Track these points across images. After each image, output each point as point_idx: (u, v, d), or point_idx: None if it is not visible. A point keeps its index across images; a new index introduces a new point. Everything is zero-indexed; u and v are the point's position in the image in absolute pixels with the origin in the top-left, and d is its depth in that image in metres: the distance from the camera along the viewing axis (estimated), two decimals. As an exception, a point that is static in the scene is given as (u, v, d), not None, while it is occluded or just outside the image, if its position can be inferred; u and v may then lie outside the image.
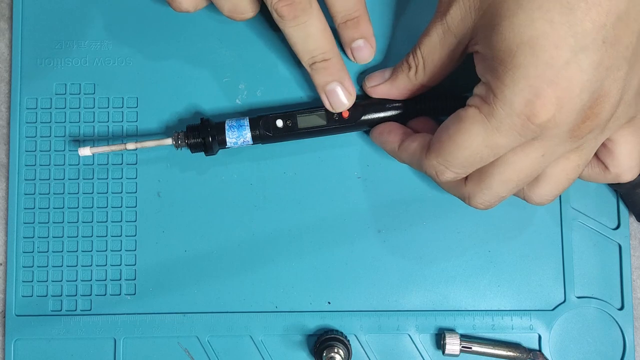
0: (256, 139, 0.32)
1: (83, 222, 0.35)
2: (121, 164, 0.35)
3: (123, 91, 0.35)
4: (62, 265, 0.35)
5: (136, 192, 0.35)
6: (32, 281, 0.35)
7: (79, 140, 0.35)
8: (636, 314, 0.34)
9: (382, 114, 0.32)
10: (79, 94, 0.35)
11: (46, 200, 0.35)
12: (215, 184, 0.35)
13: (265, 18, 0.34)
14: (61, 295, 0.34)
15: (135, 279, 0.34)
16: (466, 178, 0.28)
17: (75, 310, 0.34)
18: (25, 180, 0.35)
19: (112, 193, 0.35)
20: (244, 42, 0.35)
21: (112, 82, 0.35)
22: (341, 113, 0.32)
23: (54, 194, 0.35)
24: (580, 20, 0.23)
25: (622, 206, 0.35)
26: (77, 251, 0.35)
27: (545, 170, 0.27)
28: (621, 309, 0.34)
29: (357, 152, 0.35)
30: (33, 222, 0.35)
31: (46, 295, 0.34)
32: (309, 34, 0.29)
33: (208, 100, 0.35)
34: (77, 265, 0.35)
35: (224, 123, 0.32)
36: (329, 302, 0.34)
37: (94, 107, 0.35)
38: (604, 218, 0.35)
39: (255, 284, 0.34)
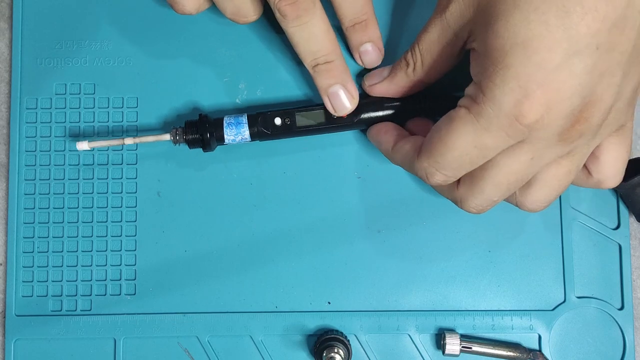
0: (254, 136, 0.32)
1: (83, 222, 0.35)
2: (121, 164, 0.35)
3: (123, 91, 0.35)
4: (62, 265, 0.35)
5: (136, 192, 0.35)
6: (32, 281, 0.35)
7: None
8: (636, 314, 0.34)
9: (380, 113, 0.32)
10: (79, 94, 0.35)
11: (46, 200, 0.35)
12: (215, 184, 0.35)
13: (267, 19, 0.34)
14: (61, 295, 0.34)
15: (135, 279, 0.34)
16: (458, 182, 0.28)
17: (75, 310, 0.34)
18: (25, 180, 0.35)
19: (112, 193, 0.35)
20: (244, 42, 0.35)
21: (112, 82, 0.35)
22: (341, 113, 0.32)
23: (54, 194, 0.35)
24: (575, 24, 0.22)
25: (622, 206, 0.35)
26: (77, 251, 0.35)
27: (537, 176, 0.27)
28: (621, 309, 0.34)
29: (357, 152, 0.35)
30: (33, 222, 0.35)
31: (46, 295, 0.34)
32: (311, 35, 0.29)
33: (208, 99, 0.35)
34: (77, 265, 0.35)
35: (222, 119, 0.32)
36: (329, 302, 0.34)
37: (94, 107, 0.35)
38: (604, 218, 0.35)
39: (255, 284, 0.34)
